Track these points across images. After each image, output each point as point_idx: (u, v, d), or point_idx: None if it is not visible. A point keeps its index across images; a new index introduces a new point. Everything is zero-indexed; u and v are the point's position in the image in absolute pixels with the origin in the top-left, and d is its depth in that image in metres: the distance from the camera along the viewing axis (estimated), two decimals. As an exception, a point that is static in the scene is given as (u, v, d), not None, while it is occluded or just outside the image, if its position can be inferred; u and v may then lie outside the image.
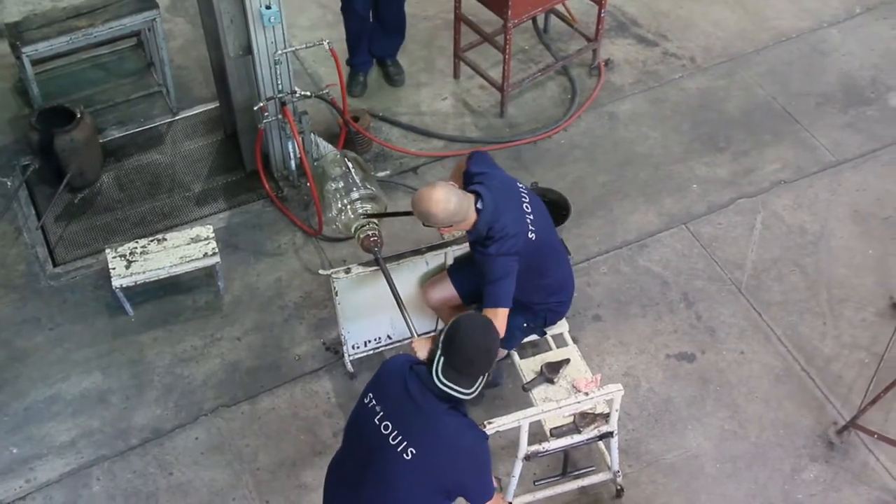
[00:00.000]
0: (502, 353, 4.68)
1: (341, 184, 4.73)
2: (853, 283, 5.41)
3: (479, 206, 4.11)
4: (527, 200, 4.29)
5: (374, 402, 3.46)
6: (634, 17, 7.02)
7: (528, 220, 4.23)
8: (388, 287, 4.67)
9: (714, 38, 6.84)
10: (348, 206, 4.66)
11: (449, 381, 3.31)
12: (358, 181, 4.74)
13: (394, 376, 3.45)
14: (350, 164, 4.83)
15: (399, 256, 4.66)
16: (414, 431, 3.35)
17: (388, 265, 4.58)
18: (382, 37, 6.33)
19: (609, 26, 6.83)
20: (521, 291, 4.22)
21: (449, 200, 4.02)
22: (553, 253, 4.49)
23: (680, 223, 5.71)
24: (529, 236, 4.20)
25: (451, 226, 4.14)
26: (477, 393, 3.36)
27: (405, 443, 3.35)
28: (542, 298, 4.51)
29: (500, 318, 4.16)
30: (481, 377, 3.35)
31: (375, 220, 4.62)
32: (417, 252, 4.70)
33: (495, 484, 3.58)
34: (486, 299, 4.18)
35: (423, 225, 4.19)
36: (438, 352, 3.34)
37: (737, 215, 5.75)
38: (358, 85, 6.39)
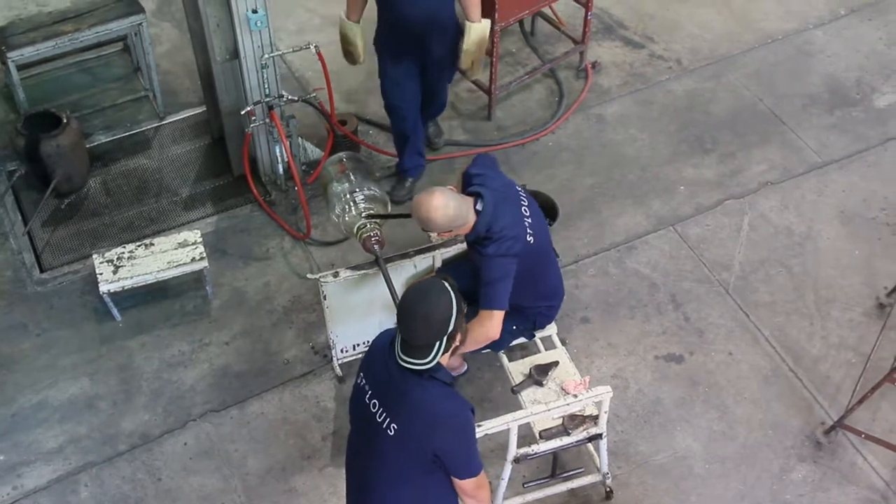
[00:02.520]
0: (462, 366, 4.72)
1: (345, 184, 4.73)
2: (840, 284, 5.43)
3: (478, 207, 4.13)
4: (525, 204, 4.31)
5: (364, 381, 3.50)
6: (621, 19, 7.04)
7: (527, 224, 4.25)
8: (376, 290, 4.69)
9: (700, 39, 6.86)
10: (351, 207, 4.66)
11: (406, 356, 3.29)
12: (361, 182, 4.74)
13: (378, 354, 3.48)
14: (354, 165, 4.83)
15: (387, 259, 4.65)
16: (394, 406, 3.38)
17: (376, 269, 4.58)
18: (428, 112, 5.87)
19: (596, 29, 6.85)
20: (514, 295, 4.22)
21: (447, 206, 4.03)
22: (548, 258, 4.52)
23: (668, 225, 5.73)
24: (528, 239, 4.22)
25: (452, 230, 4.15)
26: (435, 361, 3.29)
27: (388, 418, 3.38)
28: (534, 302, 4.52)
29: (495, 319, 4.17)
30: (437, 343, 3.27)
31: (377, 221, 4.62)
32: (405, 255, 4.70)
33: None
34: (483, 300, 4.18)
35: (423, 230, 4.19)
36: (397, 330, 3.34)
37: (724, 216, 5.77)
38: (403, 189, 5.79)
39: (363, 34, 5.40)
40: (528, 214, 4.28)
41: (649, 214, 5.79)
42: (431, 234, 4.77)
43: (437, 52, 5.31)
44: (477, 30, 5.23)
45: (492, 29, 5.72)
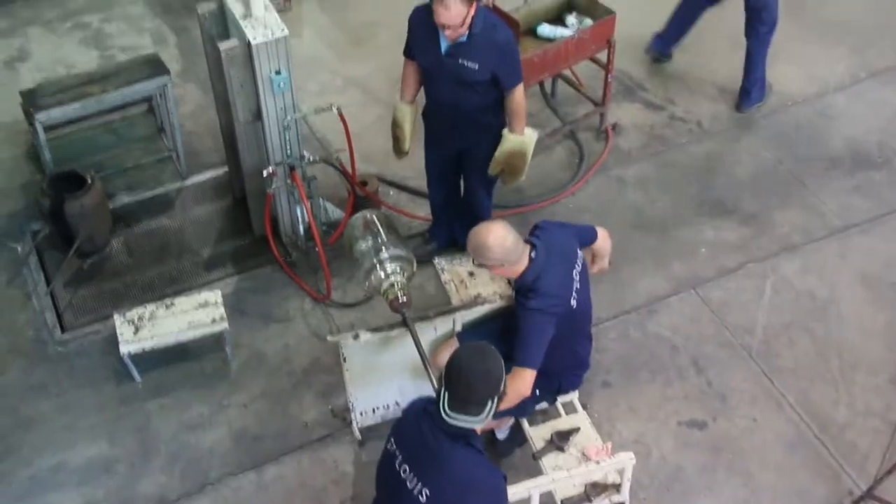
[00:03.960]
0: (509, 420, 4.66)
1: (370, 243, 4.72)
2: (864, 349, 5.37)
3: (532, 254, 4.18)
4: (578, 269, 4.33)
5: (394, 446, 3.50)
6: (641, 81, 7.07)
7: (575, 287, 4.27)
8: (396, 354, 4.67)
9: (720, 102, 6.88)
10: (377, 266, 4.65)
11: (456, 413, 3.31)
12: (388, 241, 4.74)
13: (411, 419, 3.50)
14: (380, 224, 4.83)
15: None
16: (427, 472, 3.37)
17: (397, 332, 4.57)
18: (464, 228, 5.58)
19: (616, 90, 6.88)
20: (544, 357, 4.21)
21: (506, 238, 4.10)
22: (585, 328, 4.54)
23: (689, 287, 5.70)
24: (571, 303, 4.24)
25: (503, 265, 4.17)
26: (487, 419, 3.34)
27: (420, 484, 3.37)
28: (561, 368, 4.49)
29: (526, 378, 4.17)
30: (489, 401, 3.32)
31: (404, 281, 4.61)
32: (426, 317, 4.68)
33: None
34: (517, 357, 4.18)
35: (474, 263, 4.22)
36: (442, 388, 3.35)
37: (746, 279, 5.73)
38: (424, 250, 5.74)
39: (413, 119, 5.26)
40: (577, 279, 4.30)
41: (670, 277, 5.76)
42: (452, 295, 4.75)
43: (471, 148, 5.22)
44: (511, 141, 5.05)
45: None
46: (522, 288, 4.20)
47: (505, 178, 5.28)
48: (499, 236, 4.10)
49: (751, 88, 6.71)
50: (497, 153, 5.10)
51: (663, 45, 7.09)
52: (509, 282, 4.37)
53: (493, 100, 4.99)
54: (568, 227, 4.54)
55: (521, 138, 5.08)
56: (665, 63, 7.13)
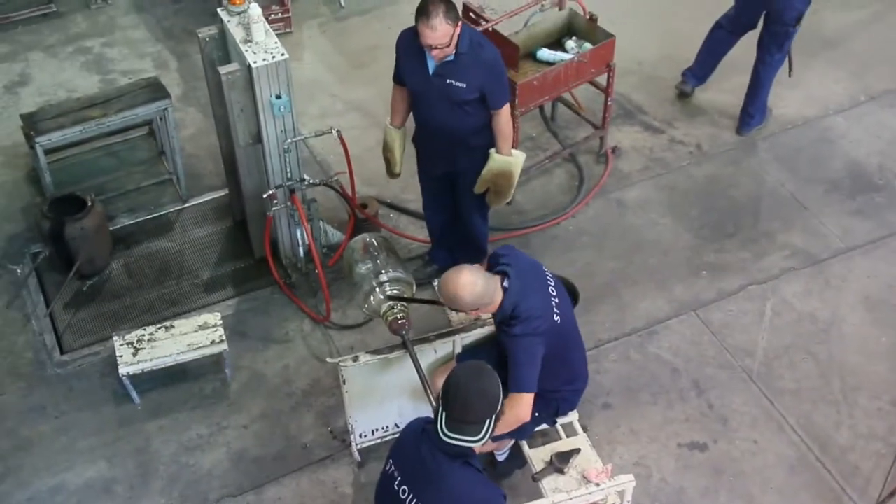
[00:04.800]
0: (509, 441, 4.63)
1: (370, 265, 4.72)
2: (866, 371, 5.35)
3: (505, 284, 4.14)
4: (552, 284, 4.32)
5: (393, 467, 3.49)
6: (640, 104, 7.09)
7: (554, 304, 4.25)
8: (396, 375, 4.66)
9: (720, 125, 6.89)
10: (377, 289, 4.64)
11: (454, 433, 3.31)
12: (387, 263, 4.73)
13: (409, 440, 3.50)
14: (379, 247, 4.83)
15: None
16: (426, 493, 3.37)
17: (397, 354, 4.56)
18: (463, 252, 5.61)
19: (616, 114, 6.90)
20: (539, 379, 4.19)
21: (475, 283, 4.05)
22: (574, 339, 4.51)
23: (689, 310, 5.69)
24: (555, 319, 4.21)
25: (479, 309, 4.14)
26: (486, 439, 3.33)
27: None
28: (559, 386, 4.48)
29: (525, 402, 4.16)
30: (487, 421, 3.33)
31: (404, 304, 4.60)
32: (426, 339, 4.67)
33: None
34: (512, 384, 4.15)
35: (450, 309, 4.18)
36: (440, 409, 3.34)
37: (747, 302, 5.72)
38: (424, 273, 5.77)
39: (403, 142, 5.32)
40: (554, 294, 4.28)
41: (671, 299, 5.75)
42: (452, 316, 4.76)
43: (462, 171, 5.21)
44: (498, 161, 5.06)
45: (512, 114, 5.76)
46: (504, 319, 4.17)
47: (490, 199, 5.28)
48: (467, 283, 4.04)
49: (755, 112, 6.73)
50: (484, 171, 5.11)
51: (696, 80, 7.05)
52: (492, 316, 4.32)
53: (482, 121, 5.00)
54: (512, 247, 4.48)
55: (507, 159, 5.09)
56: (688, 98, 7.10)
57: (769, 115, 6.84)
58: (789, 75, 6.61)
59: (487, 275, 4.13)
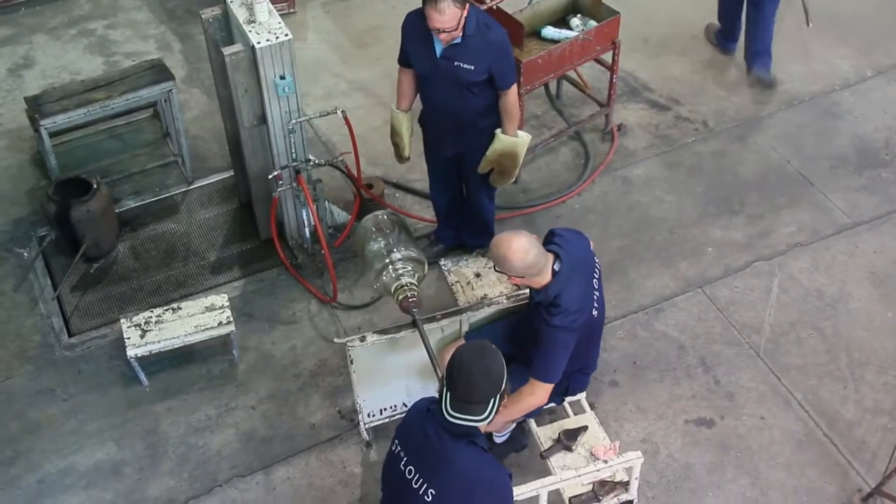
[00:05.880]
0: (510, 425, 4.64)
1: (382, 243, 4.71)
2: (873, 347, 5.35)
3: (555, 266, 4.12)
4: (597, 277, 4.31)
5: (399, 447, 3.50)
6: (646, 82, 7.07)
7: (595, 297, 4.24)
8: (403, 355, 4.66)
9: (726, 101, 6.87)
10: (389, 266, 4.65)
11: (459, 412, 3.30)
12: (399, 241, 4.73)
13: (414, 420, 3.49)
14: (392, 225, 4.82)
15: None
16: (432, 473, 3.37)
17: (404, 333, 4.56)
18: (470, 231, 5.76)
19: (621, 91, 6.88)
20: None
21: (528, 251, 4.03)
22: (600, 332, 4.51)
23: (696, 287, 5.68)
24: (593, 313, 4.22)
25: (524, 277, 4.12)
26: (491, 418, 3.32)
27: (425, 485, 3.36)
28: (573, 367, 4.47)
29: (544, 391, 4.19)
30: (492, 400, 3.31)
31: (415, 282, 4.60)
32: (433, 318, 4.67)
33: None
34: (538, 371, 4.16)
35: (496, 270, 4.17)
36: (444, 388, 3.34)
37: (753, 278, 5.72)
38: (431, 252, 5.76)
39: (410, 125, 5.29)
40: (596, 287, 4.28)
41: (677, 276, 5.75)
42: (457, 294, 4.74)
43: (469, 152, 5.19)
44: (503, 141, 5.05)
45: (518, 93, 5.75)
46: (544, 302, 4.14)
47: (494, 179, 5.27)
48: (519, 249, 4.02)
49: (762, 51, 6.67)
50: (488, 151, 5.10)
51: (728, 42, 7.10)
52: (530, 291, 4.30)
53: (490, 102, 4.99)
54: (580, 233, 4.47)
55: (512, 139, 5.08)
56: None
57: (776, 84, 6.79)
58: (807, 25, 6.53)
59: (542, 249, 4.11)
